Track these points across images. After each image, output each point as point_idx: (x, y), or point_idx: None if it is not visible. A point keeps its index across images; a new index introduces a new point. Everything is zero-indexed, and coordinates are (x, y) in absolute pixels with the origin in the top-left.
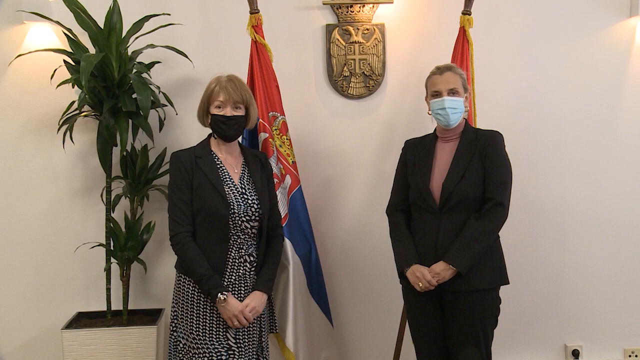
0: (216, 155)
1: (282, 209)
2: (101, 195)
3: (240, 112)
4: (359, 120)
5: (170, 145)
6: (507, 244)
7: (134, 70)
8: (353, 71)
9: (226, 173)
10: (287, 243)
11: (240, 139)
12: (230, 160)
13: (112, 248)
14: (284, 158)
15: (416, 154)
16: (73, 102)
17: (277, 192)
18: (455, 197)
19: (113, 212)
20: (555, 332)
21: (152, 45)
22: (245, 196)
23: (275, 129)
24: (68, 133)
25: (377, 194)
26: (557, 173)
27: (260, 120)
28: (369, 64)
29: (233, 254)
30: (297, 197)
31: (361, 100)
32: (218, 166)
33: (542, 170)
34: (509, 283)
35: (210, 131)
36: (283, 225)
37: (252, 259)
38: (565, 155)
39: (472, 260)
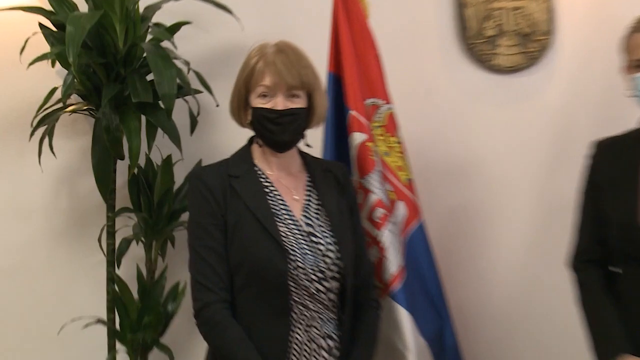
0: (263, 173)
1: (394, 258)
2: (99, 240)
3: (300, 103)
4: (512, 109)
5: (207, 155)
6: None
7: (149, 37)
8: (501, 28)
9: (281, 201)
10: (405, 316)
11: (305, 143)
12: (286, 180)
13: (117, 326)
14: (393, 174)
15: (613, 166)
16: (54, 90)
17: (384, 231)
18: None
19: (118, 268)
20: None
21: None
22: (315, 239)
23: (378, 126)
24: (47, 139)
25: (546, 233)
26: None
27: (352, 112)
28: (527, 15)
29: (299, 337)
30: (417, 240)
31: (515, 76)
32: (267, 190)
33: None
34: None
35: (252, 134)
36: (397, 285)
37: (331, 343)
38: None
39: None
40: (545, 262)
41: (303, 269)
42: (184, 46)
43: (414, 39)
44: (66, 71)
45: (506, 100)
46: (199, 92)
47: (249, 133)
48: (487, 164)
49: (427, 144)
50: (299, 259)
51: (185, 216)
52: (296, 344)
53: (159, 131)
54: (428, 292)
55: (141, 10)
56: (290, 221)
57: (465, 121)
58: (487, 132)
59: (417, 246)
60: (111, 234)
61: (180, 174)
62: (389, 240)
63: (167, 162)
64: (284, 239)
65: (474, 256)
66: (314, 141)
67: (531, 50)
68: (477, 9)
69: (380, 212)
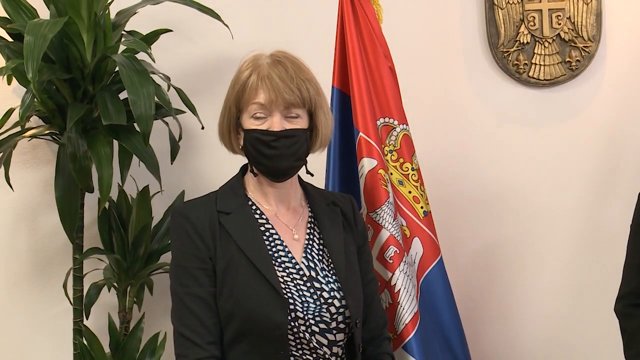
0: (258, 208)
1: (408, 304)
2: (64, 286)
3: (300, 124)
4: (551, 129)
5: (190, 187)
6: None
7: (122, 48)
8: (538, 34)
9: (279, 241)
10: None
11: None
12: (285, 217)
13: None
14: (408, 206)
15: None
16: (11, 112)
17: (397, 272)
18: None
19: (87, 318)
20: None
21: (154, 0)
22: (317, 285)
23: (391, 151)
24: (2, 169)
25: (590, 274)
26: None
27: (361, 134)
28: (569, 18)
29: None
30: (435, 281)
31: (555, 90)
32: (263, 229)
33: None
34: None
35: (245, 162)
36: (411, 334)
37: None
38: None
39: None
40: (588, 307)
41: (303, 319)
42: (163, 58)
43: (435, 48)
44: (24, 89)
45: (544, 118)
46: (181, 112)
47: (241, 160)
48: (520, 193)
49: (448, 171)
50: (298, 309)
51: (164, 257)
52: None
53: (134, 159)
54: (446, 340)
55: (113, 16)
56: (289, 264)
57: (495, 143)
58: (521, 156)
59: (435, 288)
60: (79, 278)
61: (159, 209)
62: (403, 283)
63: (144, 194)
64: (282, 285)
65: (502, 301)
66: (317, 168)
67: (574, 60)
68: (510, 11)
69: (392, 250)
